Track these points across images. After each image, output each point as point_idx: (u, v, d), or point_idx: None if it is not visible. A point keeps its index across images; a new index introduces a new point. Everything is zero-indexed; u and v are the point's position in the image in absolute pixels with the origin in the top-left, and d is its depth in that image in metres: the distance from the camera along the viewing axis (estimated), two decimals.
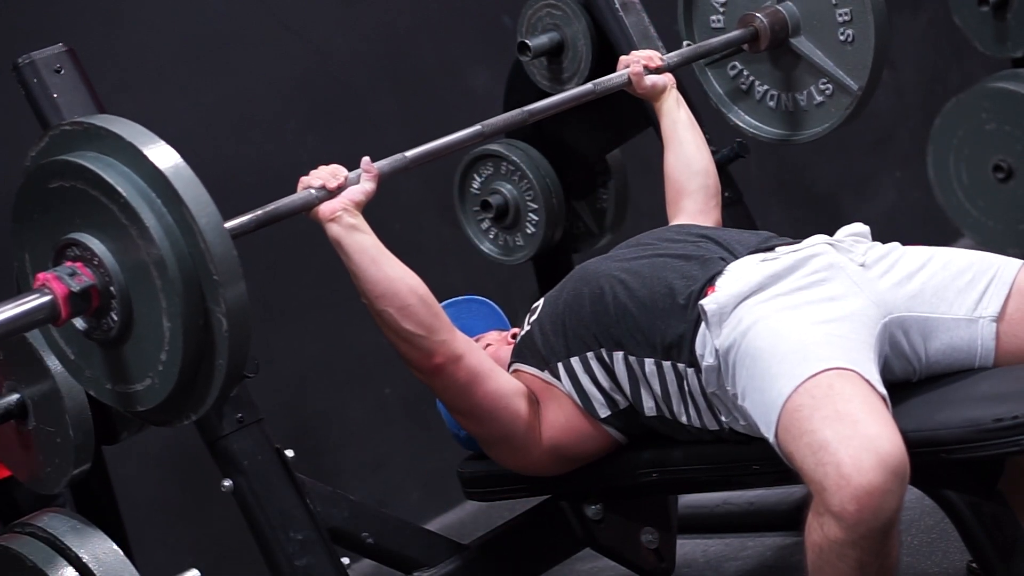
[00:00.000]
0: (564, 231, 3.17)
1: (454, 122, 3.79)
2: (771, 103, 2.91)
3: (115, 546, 1.98)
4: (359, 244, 2.19)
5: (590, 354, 2.27)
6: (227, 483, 2.23)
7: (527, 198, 3.12)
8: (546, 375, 2.32)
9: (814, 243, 2.24)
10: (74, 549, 1.97)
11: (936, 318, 2.16)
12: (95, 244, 1.76)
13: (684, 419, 2.22)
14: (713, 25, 2.93)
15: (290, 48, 3.47)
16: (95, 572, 1.96)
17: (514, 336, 2.53)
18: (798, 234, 2.36)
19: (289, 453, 2.28)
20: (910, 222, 4.46)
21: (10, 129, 2.97)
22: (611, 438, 2.32)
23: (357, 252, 2.18)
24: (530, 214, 3.12)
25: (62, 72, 2.24)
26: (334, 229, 2.18)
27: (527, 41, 2.98)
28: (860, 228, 2.30)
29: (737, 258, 2.24)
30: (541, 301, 2.41)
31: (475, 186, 3.17)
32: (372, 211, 3.82)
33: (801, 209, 4.47)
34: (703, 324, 2.14)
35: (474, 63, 3.80)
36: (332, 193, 2.18)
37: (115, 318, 1.77)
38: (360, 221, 2.20)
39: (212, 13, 3.35)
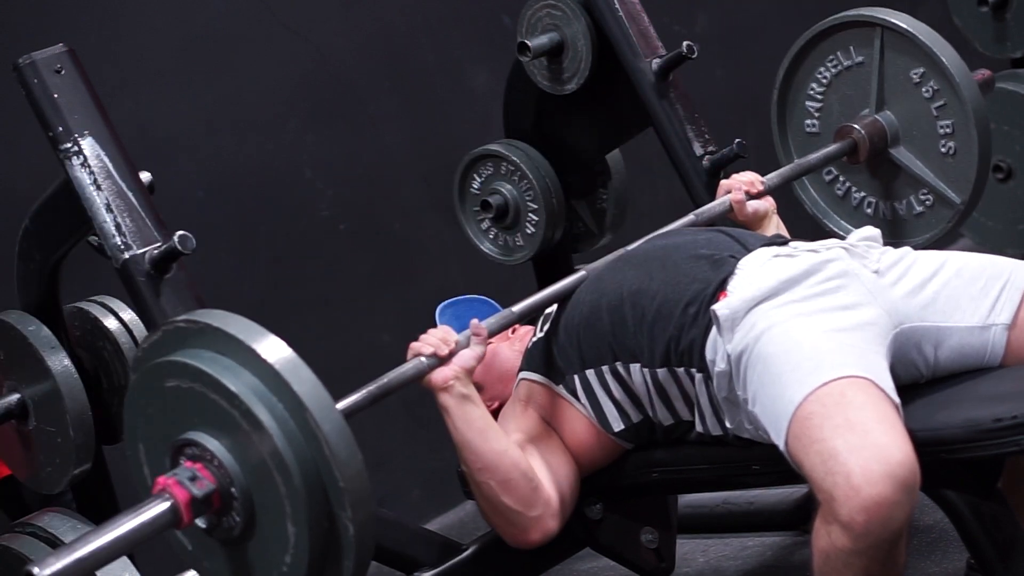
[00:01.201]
0: (564, 231, 3.17)
1: (454, 122, 3.81)
2: (868, 211, 2.86)
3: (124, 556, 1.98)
4: (469, 416, 2.18)
5: (605, 367, 2.27)
6: None
7: (527, 198, 3.12)
8: (560, 389, 2.31)
9: (829, 247, 2.23)
10: None
11: (949, 327, 2.15)
12: (214, 445, 1.73)
13: (696, 423, 2.23)
14: (808, 130, 2.89)
15: (290, 48, 3.47)
16: (96, 572, 1.95)
17: (514, 331, 2.53)
18: (798, 235, 2.36)
19: None
20: None
21: (10, 129, 2.98)
22: (620, 448, 2.33)
23: (465, 424, 2.18)
24: (530, 214, 3.12)
25: (62, 72, 2.24)
26: (446, 399, 2.17)
27: (527, 41, 2.98)
28: (872, 232, 2.30)
29: (749, 251, 2.24)
30: (555, 307, 2.40)
31: (475, 186, 3.17)
32: (372, 212, 3.85)
33: (801, 209, 4.46)
34: (714, 328, 2.13)
35: (474, 63, 3.80)
36: (443, 360, 2.16)
37: (237, 519, 1.75)
38: (472, 391, 2.19)
39: (212, 13, 3.35)
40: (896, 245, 2.78)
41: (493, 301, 2.70)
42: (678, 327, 2.18)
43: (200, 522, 1.76)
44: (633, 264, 2.33)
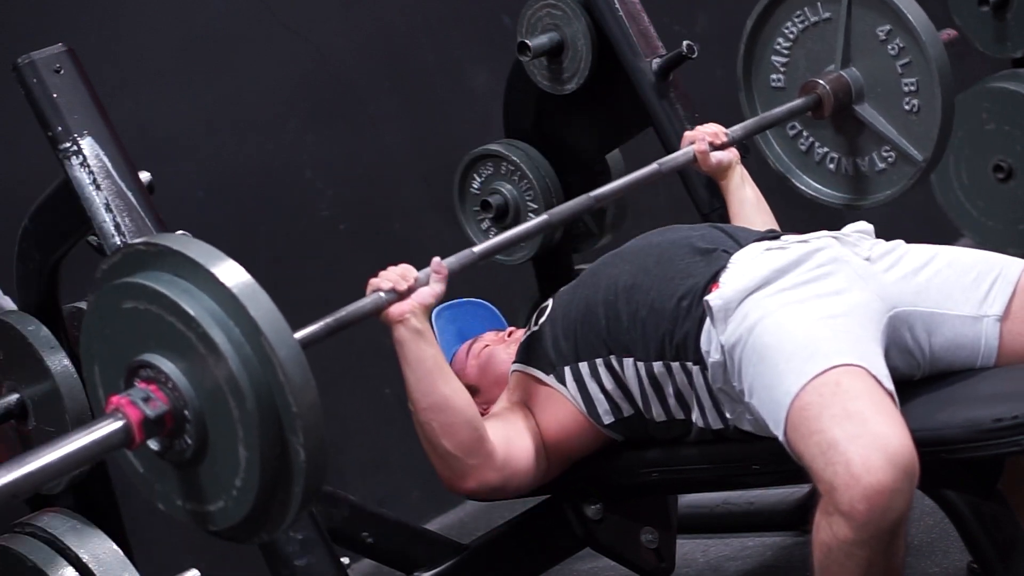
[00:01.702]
0: (564, 231, 3.17)
1: (454, 122, 3.81)
2: (831, 166, 2.87)
3: (115, 546, 1.98)
4: (421, 353, 2.18)
5: (599, 360, 2.27)
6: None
7: (527, 198, 3.11)
8: (551, 379, 2.31)
9: (819, 236, 2.24)
10: (74, 549, 1.96)
11: (941, 314, 2.16)
12: (169, 367, 1.73)
13: (694, 418, 2.23)
14: (773, 84, 2.90)
15: (290, 48, 3.47)
16: (95, 572, 1.95)
17: (510, 334, 2.53)
18: (797, 230, 2.36)
19: None
20: (910, 222, 4.46)
21: (10, 129, 2.98)
22: (608, 438, 2.33)
23: (417, 360, 2.18)
24: (530, 214, 3.12)
25: (62, 72, 2.23)
26: (401, 332, 2.17)
27: (527, 41, 2.98)
28: (864, 226, 2.30)
29: (742, 246, 2.24)
30: (550, 302, 2.41)
31: (475, 186, 3.17)
32: (372, 212, 3.85)
33: (801, 209, 4.46)
34: (708, 320, 2.14)
35: (474, 63, 3.80)
36: (402, 295, 2.16)
37: (189, 441, 1.74)
38: (426, 328, 2.18)
39: (212, 13, 3.35)
40: (858, 202, 2.84)
41: (490, 305, 2.70)
42: (672, 321, 2.19)
43: (152, 444, 1.76)
44: (628, 259, 2.33)
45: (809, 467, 1.93)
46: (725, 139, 2.62)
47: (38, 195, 2.43)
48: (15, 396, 2.41)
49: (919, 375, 2.18)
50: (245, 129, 3.41)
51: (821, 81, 2.78)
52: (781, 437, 1.99)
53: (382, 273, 2.19)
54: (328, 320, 2.06)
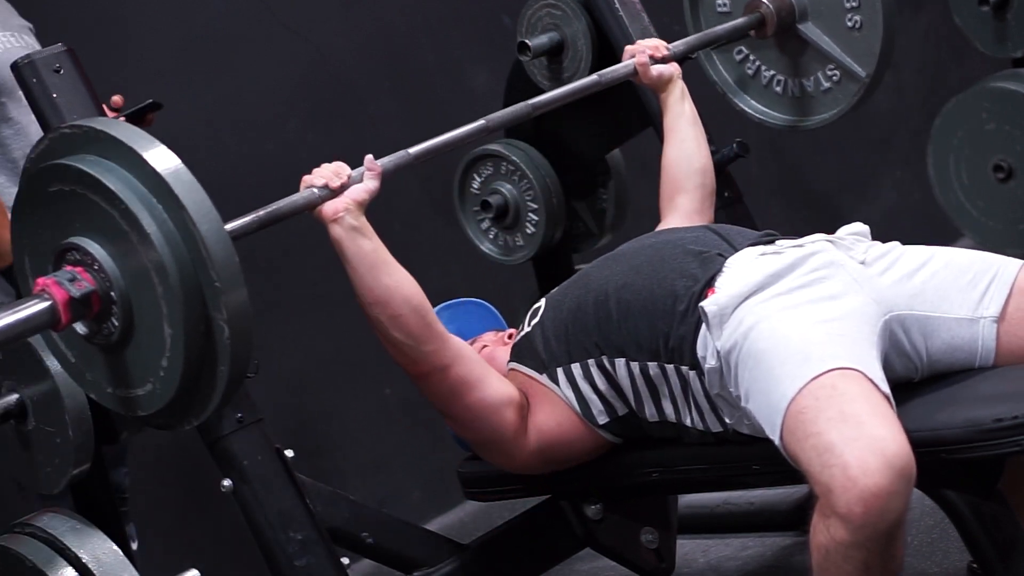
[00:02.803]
0: (564, 231, 3.17)
1: (454, 122, 3.80)
2: (778, 88, 2.91)
3: (115, 546, 1.98)
4: (359, 248, 2.18)
5: (591, 361, 2.27)
6: (227, 483, 2.23)
7: (527, 198, 3.11)
8: (544, 379, 2.31)
9: (814, 240, 2.24)
10: (74, 549, 1.96)
11: (937, 317, 2.16)
12: (95, 249, 1.75)
13: (688, 422, 2.22)
14: (719, 10, 2.93)
15: (290, 48, 3.47)
16: (95, 572, 1.95)
17: (510, 336, 2.53)
18: (798, 234, 2.36)
19: (289, 453, 2.27)
20: (910, 222, 4.46)
21: None
22: (604, 440, 2.32)
23: (355, 256, 2.18)
24: (530, 214, 3.12)
25: (62, 72, 2.23)
26: (336, 230, 2.18)
27: (527, 41, 2.98)
28: (860, 228, 2.30)
29: (737, 250, 2.24)
30: (543, 302, 2.41)
31: (475, 186, 3.17)
32: (372, 212, 3.82)
33: (801, 209, 4.46)
34: (704, 326, 2.14)
35: (474, 63, 3.80)
36: (335, 192, 2.17)
37: (116, 323, 1.76)
38: (362, 223, 2.19)
39: (212, 13, 3.36)
40: (805, 122, 2.88)
41: (489, 304, 2.70)
42: (667, 322, 2.18)
43: (79, 327, 1.77)
44: (620, 261, 2.34)
45: (806, 470, 1.93)
46: (666, 52, 2.66)
47: None
48: (15, 396, 2.41)
49: (917, 378, 2.17)
50: (245, 129, 3.41)
51: (765, 1, 2.81)
52: (777, 441, 1.99)
53: (315, 170, 2.19)
54: (259, 213, 2.07)
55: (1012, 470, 2.20)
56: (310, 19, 3.51)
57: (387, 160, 2.25)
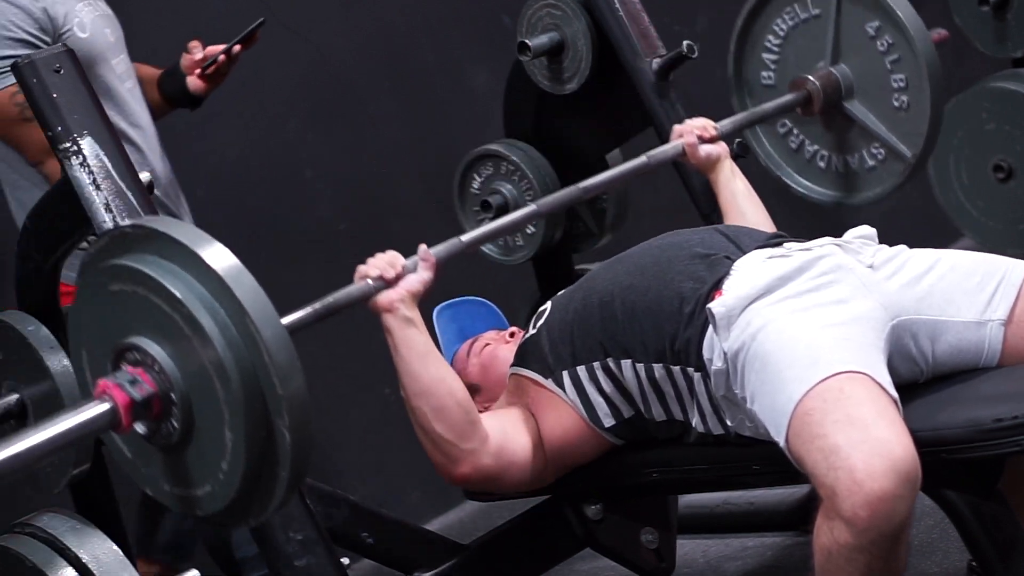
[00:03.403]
0: (564, 231, 3.16)
1: (454, 122, 3.80)
2: (821, 164, 2.87)
3: (115, 546, 1.98)
4: (410, 339, 2.18)
5: (596, 364, 2.27)
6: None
7: (527, 198, 3.11)
8: (549, 383, 2.31)
9: (822, 244, 2.24)
10: (74, 549, 1.96)
11: (945, 321, 2.15)
12: (156, 350, 1.73)
13: (693, 422, 2.22)
14: (764, 82, 2.91)
15: (290, 48, 3.47)
16: (95, 572, 1.95)
17: (512, 335, 2.53)
18: (798, 235, 2.36)
19: None
20: (910, 222, 4.46)
21: None
22: (608, 443, 2.32)
23: (406, 346, 2.18)
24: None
25: (62, 72, 2.23)
26: (390, 320, 2.18)
27: (527, 41, 2.98)
28: (867, 231, 2.30)
29: (744, 253, 2.24)
30: (549, 305, 2.40)
31: (475, 186, 3.17)
32: (372, 212, 3.83)
33: (801, 209, 4.46)
34: (711, 327, 2.13)
35: (474, 63, 3.80)
36: (390, 283, 2.17)
37: (175, 425, 1.74)
38: (415, 315, 2.19)
39: (212, 13, 3.35)
40: (849, 200, 2.85)
41: (491, 303, 2.69)
42: (674, 324, 2.18)
43: (139, 427, 1.76)
44: (626, 263, 2.33)
45: (811, 473, 1.93)
46: (714, 132, 2.62)
47: None
48: (15, 396, 2.41)
49: (922, 380, 2.17)
50: (245, 129, 3.41)
51: (811, 77, 2.79)
52: (782, 443, 1.99)
53: (370, 260, 2.19)
54: (316, 306, 2.06)
55: (1012, 470, 2.20)
56: (310, 19, 3.51)
57: (440, 249, 2.25)
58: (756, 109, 2.81)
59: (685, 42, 2.88)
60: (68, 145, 2.21)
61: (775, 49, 2.88)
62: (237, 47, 2.91)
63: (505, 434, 2.27)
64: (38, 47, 2.61)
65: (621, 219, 3.28)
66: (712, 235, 2.33)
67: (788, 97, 2.79)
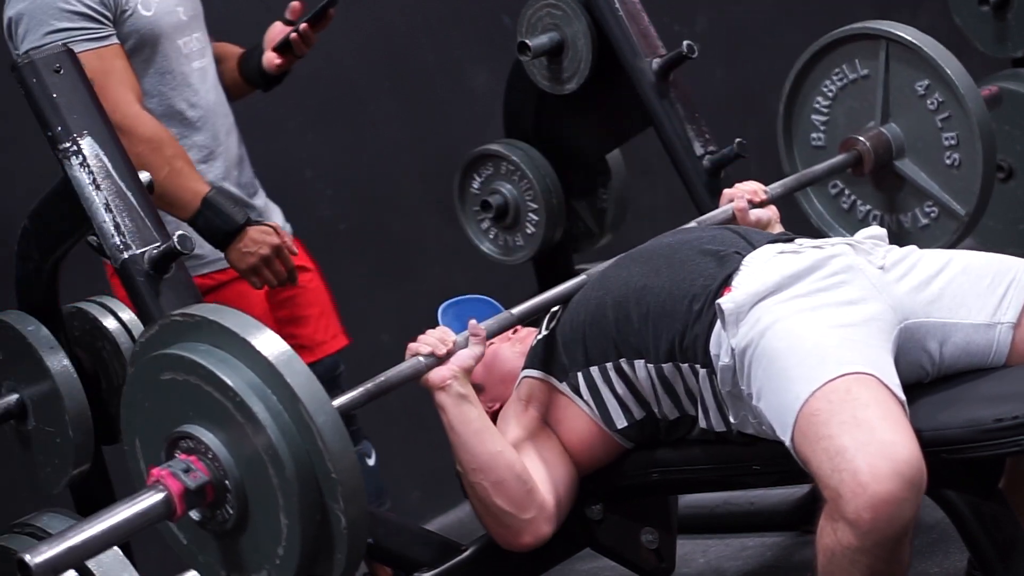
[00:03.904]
0: (564, 231, 3.16)
1: (454, 122, 3.80)
2: (874, 223, 2.86)
3: (115, 546, 1.98)
4: (465, 416, 2.19)
5: (609, 364, 2.26)
6: None
7: (527, 198, 3.11)
8: (563, 387, 2.31)
9: (834, 242, 2.23)
10: None
11: (955, 323, 2.15)
12: (209, 438, 1.74)
13: (699, 419, 2.23)
14: (813, 143, 2.90)
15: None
16: (95, 572, 1.95)
17: (515, 332, 2.53)
18: (799, 234, 2.36)
19: None
20: None
21: (10, 129, 2.97)
22: (620, 447, 2.32)
23: (462, 424, 2.19)
24: (530, 214, 3.12)
25: (62, 72, 2.23)
26: (443, 398, 2.18)
27: (527, 41, 2.98)
28: (878, 231, 2.30)
29: (755, 248, 2.24)
30: (559, 306, 2.40)
31: (475, 186, 3.17)
32: (372, 212, 3.83)
33: (807, 223, 4.46)
34: (719, 323, 2.13)
35: (474, 63, 3.80)
36: (441, 360, 2.17)
37: (230, 511, 1.76)
38: (469, 391, 2.19)
39: (212, 13, 3.35)
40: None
41: (495, 301, 2.69)
42: (683, 323, 2.18)
43: (194, 514, 1.77)
44: (639, 261, 2.33)
45: (815, 473, 1.93)
46: (764, 197, 2.59)
47: (38, 195, 2.43)
48: (15, 396, 2.41)
49: (927, 381, 2.17)
50: (245, 129, 3.40)
51: (861, 138, 2.78)
52: (788, 442, 1.98)
53: (420, 337, 2.20)
54: (368, 386, 2.08)
55: (1012, 470, 2.20)
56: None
57: (490, 323, 2.25)
58: (807, 171, 2.79)
59: (685, 42, 2.88)
60: (68, 145, 2.21)
61: (824, 110, 2.88)
62: (305, 25, 2.89)
63: (558, 490, 2.27)
64: (99, 21, 2.61)
65: (621, 219, 3.28)
66: (722, 232, 2.33)
67: (839, 158, 2.78)
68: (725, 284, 2.18)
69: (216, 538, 1.80)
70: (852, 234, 2.83)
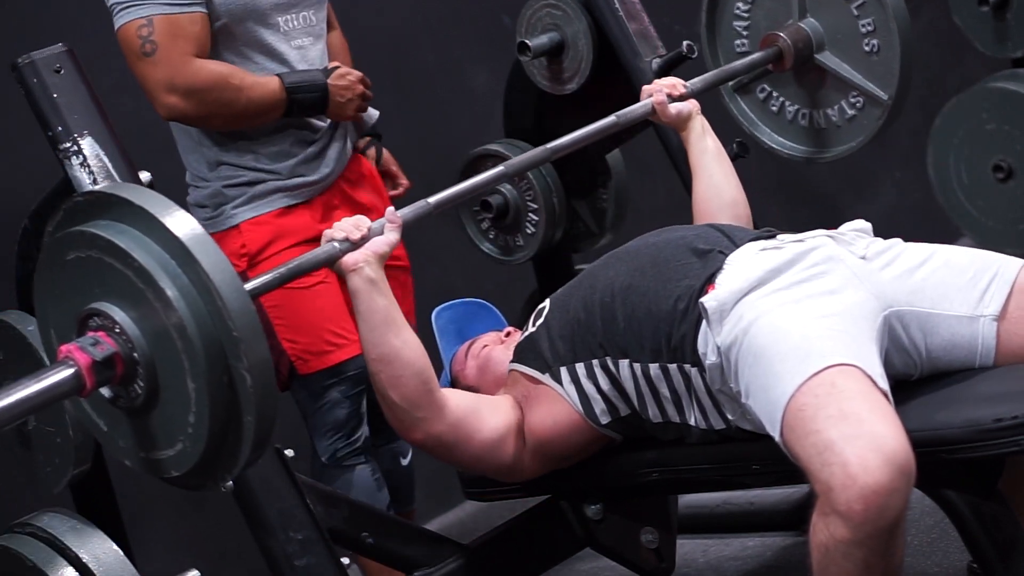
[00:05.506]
0: (564, 231, 3.17)
1: (454, 122, 3.80)
2: (803, 122, 2.90)
3: (115, 546, 1.98)
4: (373, 303, 2.18)
5: (595, 361, 2.27)
6: (227, 483, 2.23)
7: (527, 198, 3.12)
8: (546, 378, 2.31)
9: (815, 235, 2.24)
10: (74, 549, 1.96)
11: (937, 314, 2.16)
12: (116, 312, 1.75)
13: (692, 421, 2.22)
14: (738, 50, 2.92)
15: None
16: (95, 572, 1.95)
17: (508, 334, 2.53)
18: (797, 229, 2.36)
19: (289, 453, 2.28)
20: (910, 222, 4.46)
21: (10, 129, 2.97)
22: (606, 438, 2.32)
23: (369, 311, 2.18)
24: (530, 214, 3.12)
25: (62, 72, 2.24)
26: (355, 281, 2.17)
27: (527, 41, 2.98)
28: (862, 224, 2.30)
29: (738, 246, 2.24)
30: (548, 303, 2.40)
31: None
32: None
33: (801, 209, 4.46)
34: (704, 322, 2.14)
35: (474, 63, 3.80)
36: (355, 244, 2.16)
37: (141, 385, 1.76)
38: (381, 277, 2.18)
39: None
40: (832, 152, 2.89)
41: (490, 305, 2.69)
42: (669, 323, 2.19)
43: (105, 392, 1.78)
44: (624, 260, 2.34)
45: (806, 468, 1.93)
46: (683, 91, 2.63)
47: (38, 195, 2.43)
48: None
49: (917, 375, 2.18)
50: None
51: (781, 34, 2.81)
52: (777, 438, 1.99)
53: (336, 224, 2.19)
54: (280, 270, 2.06)
55: (1012, 470, 2.20)
56: None
57: (407, 211, 2.24)
58: (727, 67, 2.84)
59: (685, 42, 2.88)
60: (68, 145, 2.22)
61: (745, 15, 2.92)
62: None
63: (472, 410, 2.28)
64: None
65: (621, 219, 3.29)
66: (707, 231, 2.33)
67: (759, 54, 2.83)
68: (708, 282, 2.19)
69: (130, 416, 1.81)
70: (782, 136, 2.93)
